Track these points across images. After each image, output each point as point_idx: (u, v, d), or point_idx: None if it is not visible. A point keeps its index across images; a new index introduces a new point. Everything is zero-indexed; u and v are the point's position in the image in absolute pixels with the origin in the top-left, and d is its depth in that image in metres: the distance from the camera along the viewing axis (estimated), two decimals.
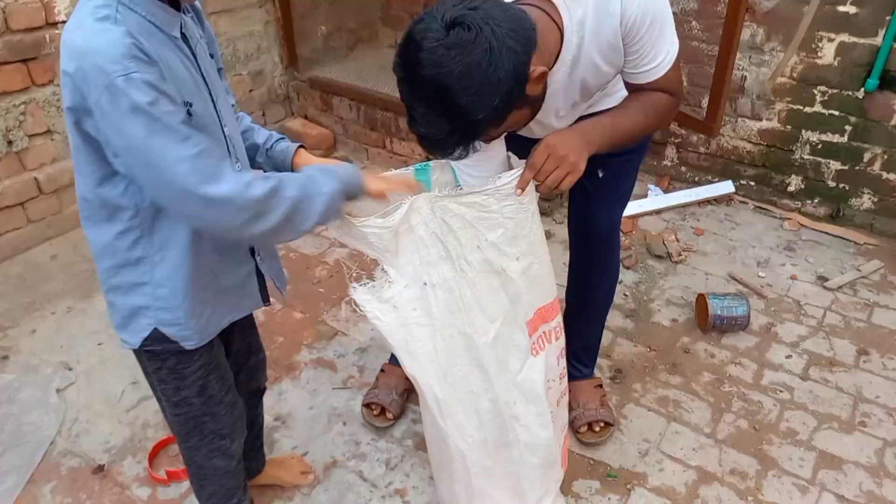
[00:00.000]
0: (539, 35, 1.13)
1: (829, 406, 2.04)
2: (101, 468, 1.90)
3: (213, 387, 1.35)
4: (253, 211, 1.05)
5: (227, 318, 1.34)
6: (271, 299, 1.43)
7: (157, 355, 1.27)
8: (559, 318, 1.48)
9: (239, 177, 1.05)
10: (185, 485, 1.82)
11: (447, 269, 1.31)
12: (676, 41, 1.34)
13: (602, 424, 1.92)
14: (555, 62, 1.27)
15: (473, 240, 1.28)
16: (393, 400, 1.99)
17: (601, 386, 2.01)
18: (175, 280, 1.18)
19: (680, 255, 2.70)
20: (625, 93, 1.43)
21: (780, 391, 2.10)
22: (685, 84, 2.94)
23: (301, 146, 1.37)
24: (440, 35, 1.05)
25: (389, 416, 1.98)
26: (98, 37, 0.94)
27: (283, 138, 1.39)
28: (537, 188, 1.28)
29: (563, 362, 1.56)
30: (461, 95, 1.06)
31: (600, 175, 1.63)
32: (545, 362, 1.44)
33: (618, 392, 2.10)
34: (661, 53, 1.31)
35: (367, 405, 2.01)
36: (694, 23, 2.90)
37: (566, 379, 1.60)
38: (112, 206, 1.11)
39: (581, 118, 1.49)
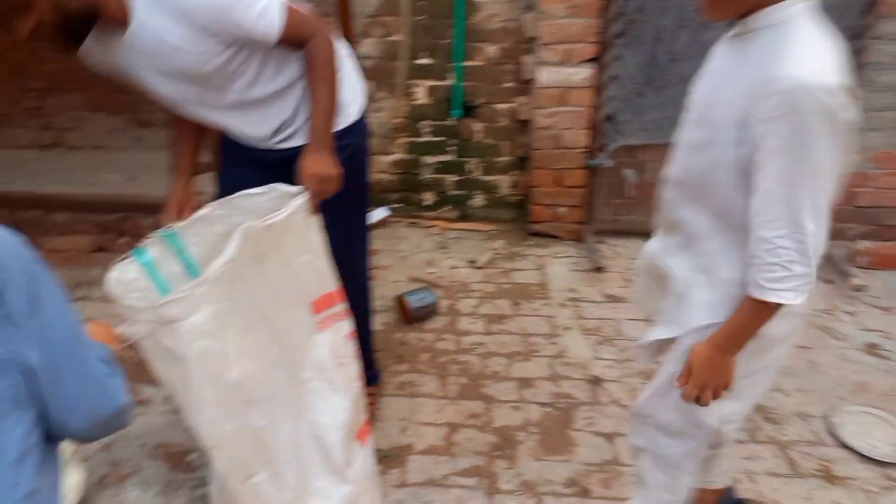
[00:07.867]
0: None
1: (510, 346, 2.70)
2: None
3: None
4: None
5: None
6: None
7: None
8: (343, 306, 1.71)
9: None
10: None
11: (249, 275, 1.44)
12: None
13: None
14: None
15: (271, 246, 1.49)
16: None
17: None
18: None
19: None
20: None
21: (477, 347, 2.69)
22: None
23: None
24: None
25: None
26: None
27: None
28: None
29: (352, 344, 1.74)
30: None
31: None
32: (332, 339, 1.66)
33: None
34: (252, 12, 1.48)
35: None
36: None
37: (357, 363, 1.76)
38: None
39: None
